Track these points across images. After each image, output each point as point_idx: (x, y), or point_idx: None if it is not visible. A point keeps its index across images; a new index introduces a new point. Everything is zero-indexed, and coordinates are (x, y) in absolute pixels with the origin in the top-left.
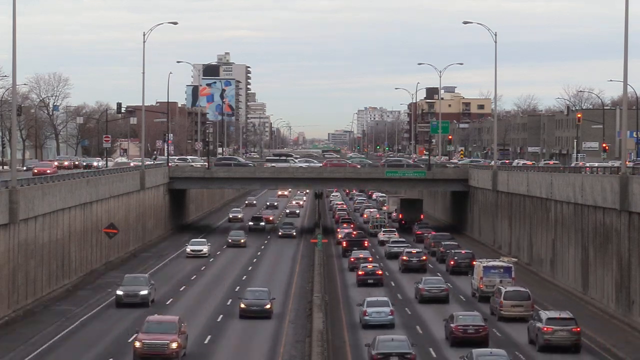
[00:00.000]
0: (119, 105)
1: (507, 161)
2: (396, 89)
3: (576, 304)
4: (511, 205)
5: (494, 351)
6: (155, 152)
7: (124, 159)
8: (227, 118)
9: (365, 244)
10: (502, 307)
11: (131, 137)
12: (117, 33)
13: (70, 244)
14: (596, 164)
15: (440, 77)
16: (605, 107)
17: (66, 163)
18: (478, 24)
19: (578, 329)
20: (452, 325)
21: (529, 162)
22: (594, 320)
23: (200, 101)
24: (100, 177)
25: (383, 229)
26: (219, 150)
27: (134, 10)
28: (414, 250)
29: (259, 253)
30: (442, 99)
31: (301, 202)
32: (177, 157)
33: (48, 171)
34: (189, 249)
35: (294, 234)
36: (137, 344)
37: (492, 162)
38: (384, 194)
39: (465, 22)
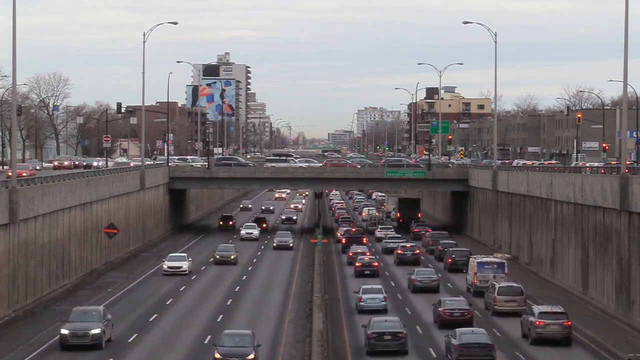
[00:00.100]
0: (119, 105)
1: (507, 161)
2: (396, 89)
3: (576, 304)
4: (511, 205)
5: (475, 330)
6: (155, 152)
7: (124, 159)
8: (227, 118)
9: (364, 241)
10: (496, 302)
11: (131, 137)
12: (117, 33)
13: (70, 244)
14: (596, 164)
15: (440, 77)
16: (605, 107)
17: (66, 163)
18: (478, 24)
19: (569, 323)
20: (439, 309)
21: (529, 162)
22: (594, 320)
23: (200, 101)
24: (100, 177)
25: (380, 226)
26: (215, 150)
27: (134, 10)
28: (408, 245)
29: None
30: (442, 99)
31: (300, 206)
32: (177, 157)
33: (24, 174)
34: (165, 265)
35: (291, 244)
36: None
37: (492, 162)
38: (383, 194)
39: (465, 22)
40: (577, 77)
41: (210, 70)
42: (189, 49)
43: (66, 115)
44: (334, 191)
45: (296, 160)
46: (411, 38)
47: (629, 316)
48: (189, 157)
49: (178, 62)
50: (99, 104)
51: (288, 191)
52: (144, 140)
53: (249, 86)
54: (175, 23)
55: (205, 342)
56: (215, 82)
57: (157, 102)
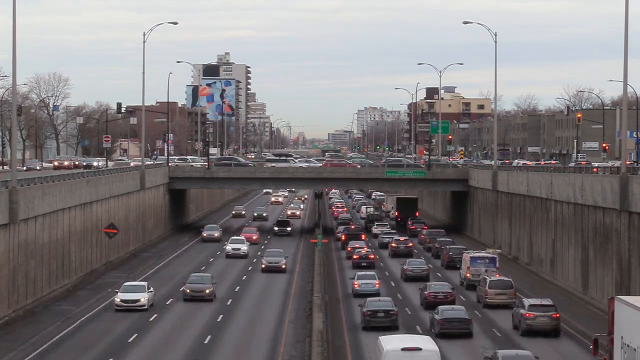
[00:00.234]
0: (119, 105)
1: (507, 161)
2: (396, 89)
3: (576, 304)
4: (511, 205)
5: (455, 307)
6: (155, 152)
7: (124, 159)
8: (227, 118)
9: (362, 237)
10: (487, 295)
11: (131, 137)
12: (117, 33)
13: (70, 244)
14: (596, 164)
15: (440, 77)
16: (605, 107)
17: (66, 163)
18: (478, 24)
19: (557, 315)
20: (425, 292)
21: (529, 162)
22: (594, 320)
23: (200, 101)
24: (100, 177)
25: (377, 223)
26: (212, 150)
27: (134, 10)
28: (401, 238)
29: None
30: (442, 99)
31: (297, 212)
32: (177, 157)
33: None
34: (118, 298)
35: (283, 265)
36: None
37: (492, 162)
38: (382, 193)
39: (465, 22)
40: (577, 77)
41: (210, 70)
42: (189, 49)
43: (66, 115)
44: (333, 190)
45: (296, 161)
46: (411, 38)
47: None
48: (189, 157)
49: (178, 62)
50: (99, 104)
51: (286, 194)
52: (144, 140)
53: (249, 86)
54: (175, 23)
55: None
56: (215, 82)
57: (157, 102)
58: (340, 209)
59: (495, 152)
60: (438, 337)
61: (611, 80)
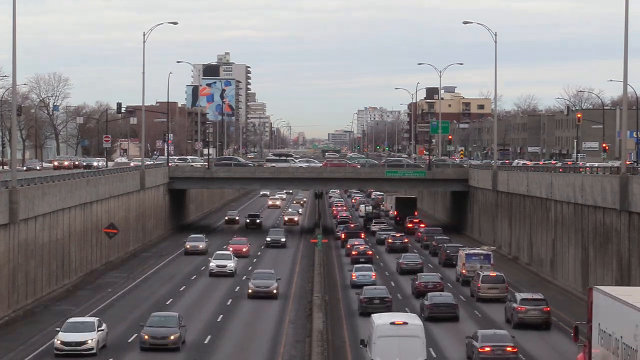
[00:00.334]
0: (119, 105)
1: (507, 161)
2: (396, 89)
3: (576, 304)
4: (511, 205)
5: (443, 293)
6: (155, 152)
7: (124, 159)
8: (227, 118)
9: (361, 235)
10: (480, 289)
11: (131, 137)
12: (117, 33)
13: (70, 244)
14: (596, 164)
15: (440, 77)
16: (605, 107)
17: (66, 163)
18: (478, 24)
19: (548, 309)
20: (416, 282)
21: (528, 162)
22: None
23: (200, 101)
24: (100, 177)
25: (374, 221)
26: (208, 150)
27: (134, 10)
28: (397, 234)
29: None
30: (442, 99)
31: (296, 218)
32: (177, 157)
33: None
34: (58, 339)
35: (275, 290)
36: None
37: (493, 162)
38: (382, 193)
39: (465, 22)
40: (577, 77)
41: (210, 70)
42: (189, 49)
43: (66, 115)
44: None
45: (296, 161)
46: (411, 38)
47: None
48: (189, 157)
49: (178, 62)
50: (99, 104)
51: (284, 196)
52: (144, 140)
53: (249, 86)
54: (175, 23)
55: (205, 342)
56: (215, 82)
57: (157, 102)
58: (340, 208)
59: (495, 152)
60: (427, 321)
61: (611, 80)
